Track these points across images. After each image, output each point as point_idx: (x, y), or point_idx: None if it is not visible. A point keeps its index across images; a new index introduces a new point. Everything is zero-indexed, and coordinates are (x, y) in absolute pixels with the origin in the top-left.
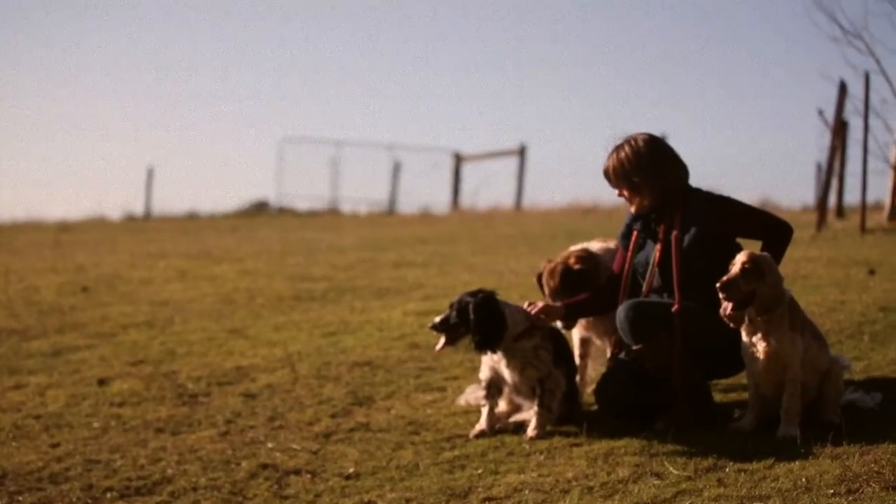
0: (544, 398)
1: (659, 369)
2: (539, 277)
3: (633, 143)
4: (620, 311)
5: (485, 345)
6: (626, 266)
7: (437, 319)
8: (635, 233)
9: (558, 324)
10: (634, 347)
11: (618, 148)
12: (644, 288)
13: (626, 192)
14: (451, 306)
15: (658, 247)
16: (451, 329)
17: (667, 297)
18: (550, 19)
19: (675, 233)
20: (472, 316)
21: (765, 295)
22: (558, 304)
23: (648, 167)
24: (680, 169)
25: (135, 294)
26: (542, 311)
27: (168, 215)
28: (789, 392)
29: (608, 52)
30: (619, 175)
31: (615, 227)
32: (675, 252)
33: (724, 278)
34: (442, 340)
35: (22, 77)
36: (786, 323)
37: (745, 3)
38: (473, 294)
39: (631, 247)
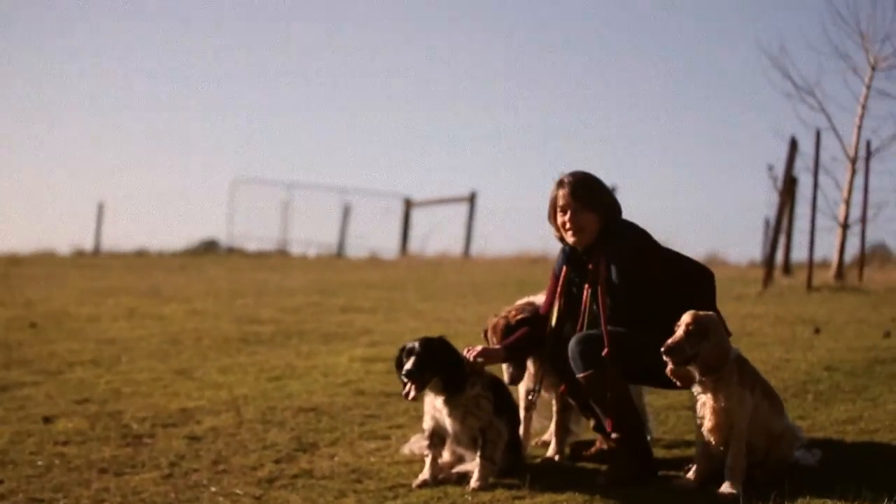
0: (486, 449)
1: (602, 402)
2: (485, 334)
3: (574, 173)
4: (572, 342)
5: (456, 386)
6: (560, 288)
7: (409, 366)
8: (564, 269)
9: (505, 377)
10: (580, 375)
11: (560, 179)
12: (577, 327)
13: (579, 213)
14: (411, 352)
15: (587, 286)
16: (420, 375)
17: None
18: (502, 68)
19: (602, 272)
20: (439, 357)
21: (708, 355)
22: (496, 348)
23: (594, 190)
24: (615, 201)
25: (82, 331)
26: (480, 353)
27: (118, 251)
28: (734, 450)
29: (560, 102)
30: (581, 186)
31: None
32: (601, 293)
33: (669, 342)
34: (411, 387)
35: None
36: (734, 379)
37: (698, 57)
38: (426, 339)
39: (560, 284)
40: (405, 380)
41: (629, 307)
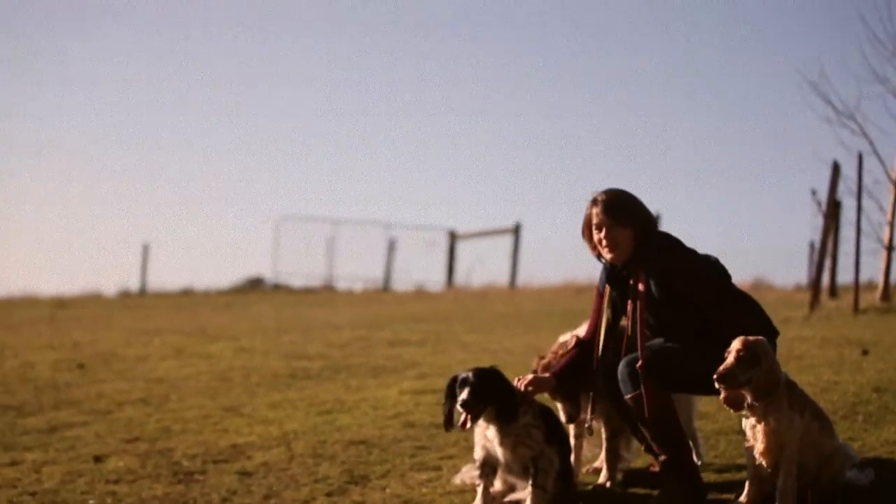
0: (538, 477)
1: (653, 422)
2: (534, 373)
3: (608, 191)
4: (621, 364)
5: (508, 415)
6: (604, 305)
7: (465, 396)
8: (607, 288)
9: (562, 417)
10: (628, 396)
11: (594, 197)
12: (623, 344)
13: (613, 230)
14: (465, 382)
15: (629, 303)
16: (475, 404)
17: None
18: (546, 98)
19: (641, 288)
20: (493, 387)
21: (760, 381)
22: (547, 376)
23: (627, 206)
24: (650, 214)
25: (130, 371)
26: (530, 383)
27: (163, 291)
28: (785, 472)
29: (603, 131)
30: (614, 203)
31: None
32: (640, 308)
33: (721, 369)
34: (466, 417)
35: (17, 151)
36: (784, 402)
37: (741, 84)
38: (480, 369)
39: (605, 301)
40: (460, 410)
41: (674, 322)
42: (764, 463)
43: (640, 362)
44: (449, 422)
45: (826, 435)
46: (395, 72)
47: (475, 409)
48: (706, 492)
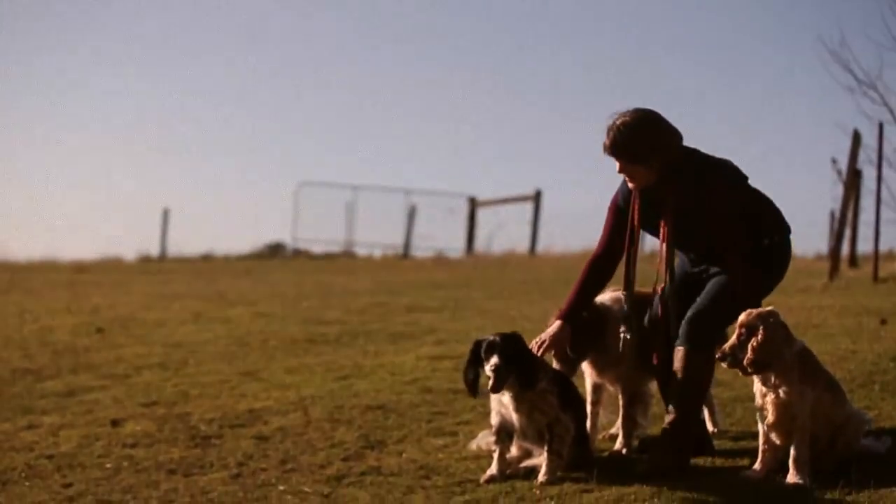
0: (553, 443)
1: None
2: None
3: (626, 115)
4: (689, 316)
5: (529, 381)
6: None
7: (497, 360)
8: (637, 206)
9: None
10: (679, 348)
11: (612, 124)
12: (661, 267)
13: (627, 167)
14: (493, 347)
15: (662, 224)
16: (506, 369)
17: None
18: (568, 67)
19: (671, 209)
20: (516, 353)
21: (755, 352)
22: (556, 326)
23: (638, 145)
24: (675, 135)
25: (149, 336)
26: (548, 346)
27: (183, 257)
28: (797, 441)
29: (624, 98)
30: (619, 149)
31: None
32: (668, 230)
33: (725, 347)
34: (496, 382)
35: (38, 117)
36: (795, 375)
37: (761, 53)
38: (505, 335)
39: (637, 222)
40: (490, 375)
41: (702, 240)
42: (775, 435)
43: (661, 284)
44: (474, 388)
45: (838, 405)
46: (415, 37)
47: (506, 375)
48: (690, 466)
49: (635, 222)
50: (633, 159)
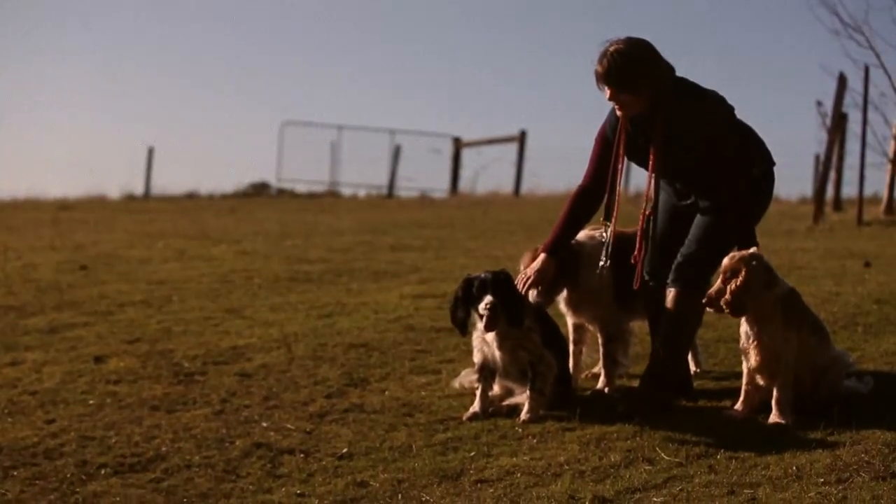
0: (536, 381)
1: (675, 321)
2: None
3: (619, 43)
4: (682, 254)
5: (517, 319)
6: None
7: (491, 298)
8: (624, 135)
9: (531, 296)
10: (673, 290)
11: (606, 51)
12: (648, 192)
13: (619, 96)
14: (486, 284)
15: (651, 151)
16: (500, 307)
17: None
18: (553, 6)
19: (660, 134)
20: (507, 291)
21: (733, 294)
22: (541, 260)
23: (629, 73)
24: (668, 66)
25: (132, 273)
26: (534, 282)
27: (167, 195)
28: (781, 383)
29: (610, 34)
30: (612, 76)
31: None
32: (656, 155)
33: (711, 291)
34: (490, 319)
35: (24, 55)
36: (779, 318)
37: None
38: (495, 272)
39: (622, 149)
40: (484, 313)
41: (690, 169)
42: (759, 377)
43: (648, 211)
44: (464, 326)
45: (823, 348)
46: None
47: (500, 313)
48: (669, 404)
49: (620, 150)
50: (626, 87)
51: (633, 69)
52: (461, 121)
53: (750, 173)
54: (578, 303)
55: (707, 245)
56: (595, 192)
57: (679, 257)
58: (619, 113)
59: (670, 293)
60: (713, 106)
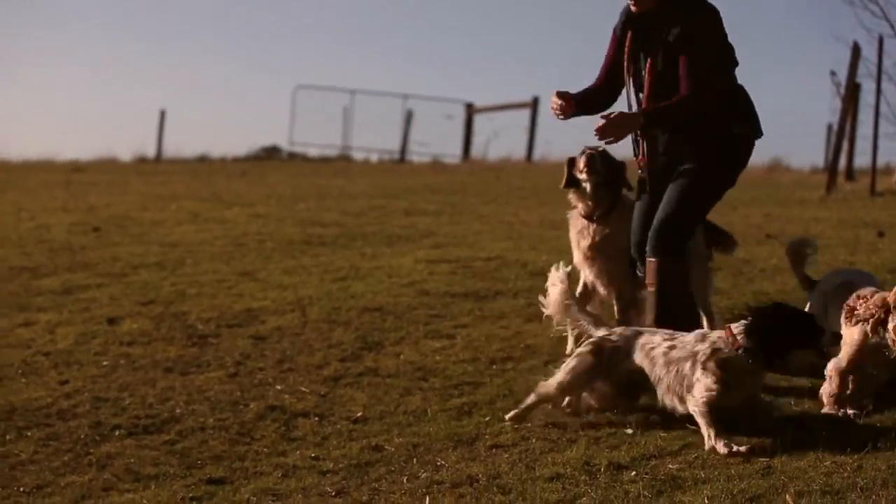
0: None
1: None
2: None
3: None
4: (655, 222)
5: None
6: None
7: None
8: (630, 35)
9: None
10: (650, 259)
11: None
12: (645, 92)
13: None
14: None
15: (649, 61)
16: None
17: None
18: None
19: (661, 37)
20: None
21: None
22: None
23: None
24: None
25: (146, 235)
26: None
27: (179, 158)
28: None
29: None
30: None
31: None
32: (648, 68)
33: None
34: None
35: (36, 16)
36: None
37: None
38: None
39: (627, 53)
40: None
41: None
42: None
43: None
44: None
45: None
46: None
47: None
48: None
49: (628, 48)
50: None
51: None
52: (474, 87)
53: (729, 128)
54: (602, 247)
55: (680, 208)
56: (605, 92)
57: (655, 223)
58: (633, 8)
59: (651, 265)
60: (714, 14)
